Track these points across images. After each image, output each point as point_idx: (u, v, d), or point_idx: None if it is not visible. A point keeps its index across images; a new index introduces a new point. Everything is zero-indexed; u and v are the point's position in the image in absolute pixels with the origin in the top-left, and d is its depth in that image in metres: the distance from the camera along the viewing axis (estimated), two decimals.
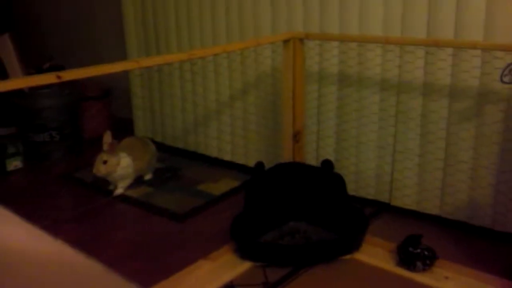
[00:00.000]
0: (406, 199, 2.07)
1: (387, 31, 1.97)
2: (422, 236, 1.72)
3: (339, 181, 2.00)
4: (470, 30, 1.77)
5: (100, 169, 2.26)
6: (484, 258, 1.77)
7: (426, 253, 1.69)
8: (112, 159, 2.29)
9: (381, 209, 2.13)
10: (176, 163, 2.75)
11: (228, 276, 1.69)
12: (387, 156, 2.10)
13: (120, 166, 2.31)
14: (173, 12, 2.71)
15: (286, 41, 2.03)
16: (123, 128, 3.16)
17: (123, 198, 2.34)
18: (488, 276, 1.64)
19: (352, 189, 2.18)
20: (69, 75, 1.39)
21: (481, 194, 1.88)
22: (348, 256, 1.79)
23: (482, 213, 1.90)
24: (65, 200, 2.41)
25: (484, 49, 1.74)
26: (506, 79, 1.70)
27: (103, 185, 2.43)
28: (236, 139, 2.63)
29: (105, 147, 2.30)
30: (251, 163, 2.35)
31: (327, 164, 2.05)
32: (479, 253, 1.80)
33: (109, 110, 3.33)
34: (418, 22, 1.89)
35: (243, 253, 1.79)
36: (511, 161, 1.80)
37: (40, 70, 2.94)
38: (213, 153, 2.75)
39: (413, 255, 1.69)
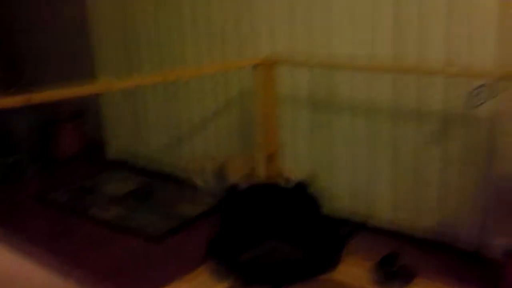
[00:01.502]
0: (381, 218, 2.09)
1: (356, 51, 2.01)
2: (399, 255, 1.74)
3: (314, 201, 2.01)
4: (432, 51, 1.83)
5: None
6: (461, 276, 1.79)
7: (403, 271, 1.70)
8: None
9: (357, 228, 2.14)
10: (150, 184, 2.72)
11: None
12: (360, 176, 2.12)
13: None
14: (144, 34, 2.72)
15: (255, 66, 2.05)
16: (95, 149, 3.12)
17: (97, 219, 2.29)
18: None
19: (327, 209, 2.19)
20: (39, 97, 1.37)
21: (452, 214, 1.92)
22: (325, 276, 1.78)
23: (453, 232, 1.94)
24: (37, 222, 2.34)
25: (450, 75, 1.80)
26: (474, 101, 1.76)
27: (77, 206, 2.37)
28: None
29: None
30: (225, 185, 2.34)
31: (300, 186, 2.05)
32: (455, 271, 1.82)
33: (82, 131, 3.28)
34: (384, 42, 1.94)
35: (222, 272, 1.77)
36: (482, 182, 1.85)
37: (9, 92, 2.89)
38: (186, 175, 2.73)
39: (390, 273, 1.70)
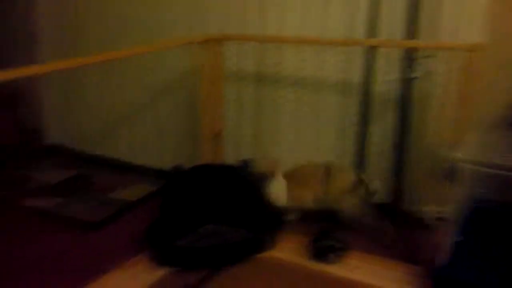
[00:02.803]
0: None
1: (303, 31, 2.02)
2: (334, 229, 1.78)
3: (254, 180, 2.02)
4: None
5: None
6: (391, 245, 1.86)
7: (338, 245, 1.75)
8: None
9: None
10: (87, 170, 2.66)
11: (146, 283, 1.65)
12: (303, 153, 2.15)
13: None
14: (86, 12, 2.62)
15: (203, 42, 2.01)
16: (31, 136, 3.00)
17: (31, 209, 2.22)
18: (395, 263, 1.73)
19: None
20: None
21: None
22: (264, 254, 1.81)
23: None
24: None
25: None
26: (415, 74, 1.80)
27: (8, 196, 2.29)
28: (151, 142, 2.58)
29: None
30: (169, 167, 2.32)
31: (244, 164, 2.06)
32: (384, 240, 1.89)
33: (18, 117, 3.14)
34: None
35: (159, 258, 1.76)
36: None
37: None
38: (127, 158, 2.69)
39: (325, 247, 1.75)
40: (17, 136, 3.08)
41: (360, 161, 2.06)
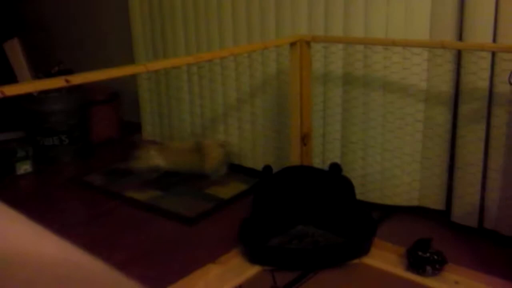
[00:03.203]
0: (412, 200, 2.06)
1: (390, 34, 1.96)
2: (432, 240, 1.71)
3: (347, 184, 1.99)
4: (476, 32, 1.76)
5: None
6: (493, 261, 1.75)
7: (435, 257, 1.68)
8: None
9: (390, 212, 2.12)
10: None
11: (236, 280, 1.69)
12: (394, 159, 2.09)
13: None
14: (180, 15, 2.72)
15: (292, 44, 2.02)
16: (131, 131, 3.17)
17: (132, 201, 2.34)
18: (497, 280, 1.63)
19: (359, 192, 2.17)
20: (77, 79, 1.40)
21: (489, 197, 1.87)
22: (356, 260, 1.77)
23: (489, 216, 1.89)
24: (74, 204, 2.42)
25: (492, 50, 1.73)
26: None
27: (112, 188, 2.43)
28: (243, 142, 2.63)
29: None
30: (259, 166, 2.35)
31: (335, 168, 2.04)
32: (488, 257, 1.78)
33: (118, 113, 3.34)
34: (420, 24, 1.88)
35: (252, 257, 1.79)
36: None
37: (48, 74, 2.96)
38: None
39: (422, 259, 1.68)
40: (118, 131, 3.27)
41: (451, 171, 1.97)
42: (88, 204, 2.39)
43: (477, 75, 1.80)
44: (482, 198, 1.89)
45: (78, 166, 2.86)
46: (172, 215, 2.19)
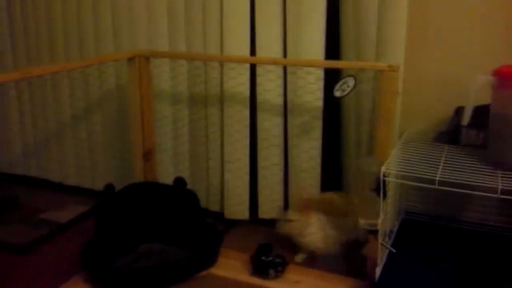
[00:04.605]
0: (238, 209, 2.16)
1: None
2: (272, 245, 1.81)
3: (192, 197, 2.01)
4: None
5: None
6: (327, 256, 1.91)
7: (277, 260, 1.78)
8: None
9: (232, 222, 2.18)
10: (13, 191, 2.52)
11: None
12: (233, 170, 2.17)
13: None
14: (6, 31, 2.51)
15: (130, 59, 2.00)
16: None
17: None
18: (336, 276, 1.78)
19: (204, 204, 2.22)
20: None
21: None
22: (204, 272, 1.80)
23: None
24: None
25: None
26: (337, 93, 1.87)
27: None
28: (81, 161, 2.50)
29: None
30: (100, 186, 2.25)
31: (179, 182, 2.04)
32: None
33: None
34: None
35: (96, 281, 1.70)
36: None
37: None
38: (56, 178, 2.58)
39: (265, 263, 1.76)
40: None
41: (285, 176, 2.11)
42: None
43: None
44: None
45: None
46: (2, 245, 1.98)
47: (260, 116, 2.06)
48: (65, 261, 1.86)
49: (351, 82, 1.81)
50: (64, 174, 2.56)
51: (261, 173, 2.11)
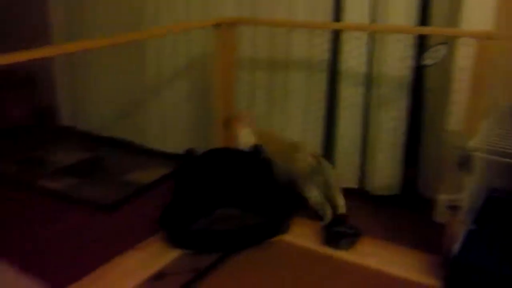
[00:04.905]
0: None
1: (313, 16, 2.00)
2: (347, 216, 1.78)
3: (268, 166, 2.03)
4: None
5: None
6: (404, 230, 1.86)
7: (350, 231, 1.76)
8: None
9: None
10: (102, 153, 2.68)
11: (158, 265, 1.67)
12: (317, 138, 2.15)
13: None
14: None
15: (216, 26, 1.99)
16: (45, 117, 3.03)
17: (46, 190, 2.25)
18: (409, 250, 1.73)
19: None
20: None
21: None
22: (277, 238, 1.82)
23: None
24: None
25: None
26: (428, 62, 1.77)
27: (25, 177, 2.32)
28: (165, 126, 2.59)
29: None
30: (181, 150, 2.33)
31: (256, 150, 2.06)
32: (400, 227, 1.89)
33: (32, 98, 3.17)
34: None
35: (173, 241, 1.78)
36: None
37: None
38: (141, 141, 2.70)
39: (337, 234, 1.75)
40: (32, 117, 3.11)
41: (365, 147, 2.07)
42: None
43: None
44: None
45: None
46: (90, 203, 2.13)
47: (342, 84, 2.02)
48: (145, 220, 1.96)
49: (443, 49, 1.71)
50: (148, 137, 2.67)
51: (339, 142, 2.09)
